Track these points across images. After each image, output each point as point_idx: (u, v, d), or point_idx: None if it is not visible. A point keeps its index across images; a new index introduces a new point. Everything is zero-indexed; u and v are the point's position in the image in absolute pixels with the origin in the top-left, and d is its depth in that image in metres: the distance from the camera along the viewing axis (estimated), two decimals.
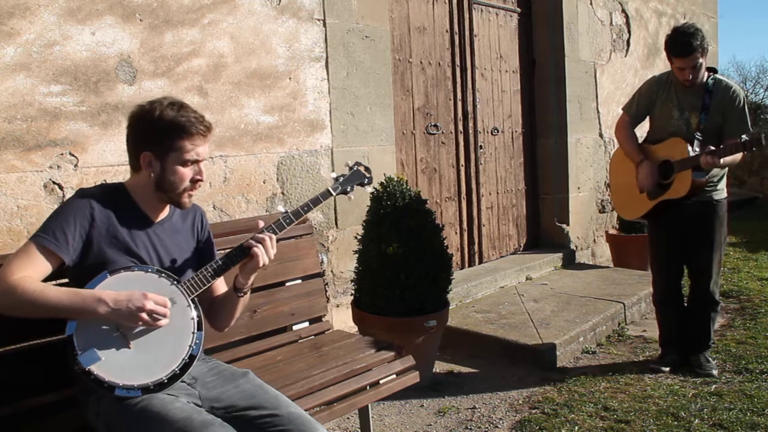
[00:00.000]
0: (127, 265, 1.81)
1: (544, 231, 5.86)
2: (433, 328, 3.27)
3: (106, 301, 1.68)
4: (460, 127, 5.05)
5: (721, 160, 3.10)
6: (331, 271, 3.84)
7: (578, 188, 5.84)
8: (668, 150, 3.28)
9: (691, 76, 3.18)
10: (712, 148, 3.11)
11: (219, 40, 3.26)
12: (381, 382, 2.51)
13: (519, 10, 5.58)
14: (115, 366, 1.69)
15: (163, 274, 1.82)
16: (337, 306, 3.84)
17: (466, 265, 5.18)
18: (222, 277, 1.97)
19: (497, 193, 5.44)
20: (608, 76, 6.18)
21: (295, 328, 2.79)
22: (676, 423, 2.84)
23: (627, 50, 6.42)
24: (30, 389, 1.96)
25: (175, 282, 1.83)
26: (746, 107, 3.27)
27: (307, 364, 2.47)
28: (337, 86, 3.82)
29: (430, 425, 2.97)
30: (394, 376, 2.56)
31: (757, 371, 3.35)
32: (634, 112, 3.49)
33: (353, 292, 3.43)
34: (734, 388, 3.18)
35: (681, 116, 3.29)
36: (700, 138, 3.21)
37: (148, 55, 2.98)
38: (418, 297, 3.20)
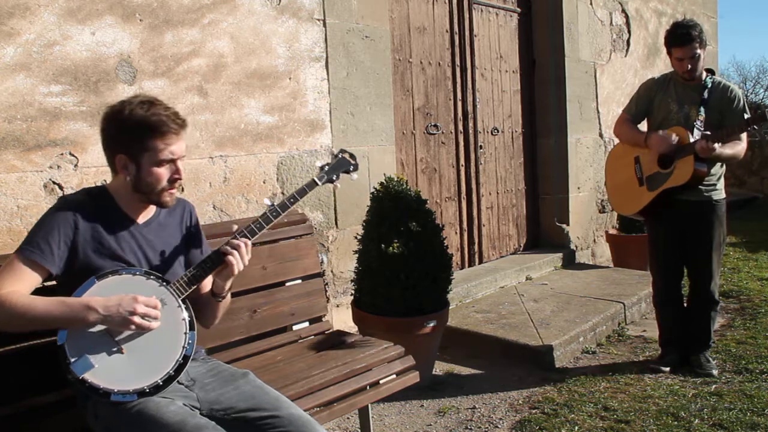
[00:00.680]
0: (114, 269, 1.78)
1: (544, 231, 5.86)
2: (433, 328, 3.27)
3: (96, 308, 1.66)
4: (460, 127, 5.05)
5: (721, 149, 3.09)
6: (331, 271, 3.84)
7: (578, 188, 5.84)
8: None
9: (690, 66, 3.19)
10: (708, 133, 3.11)
11: (219, 40, 3.26)
12: (381, 382, 2.51)
13: (519, 10, 5.58)
14: (109, 372, 1.68)
15: (151, 276, 1.80)
16: (337, 306, 3.85)
17: (466, 265, 5.18)
18: (210, 275, 1.94)
19: (497, 193, 5.44)
20: (608, 76, 6.18)
21: (295, 328, 2.79)
22: (676, 423, 2.84)
23: (627, 50, 6.42)
24: (30, 389, 1.96)
25: (164, 283, 1.81)
26: (746, 108, 3.28)
27: (307, 364, 2.47)
28: (337, 86, 3.82)
29: (430, 425, 2.97)
30: (394, 376, 2.56)
31: (757, 371, 3.35)
32: (633, 111, 3.51)
33: (353, 292, 3.43)
34: (734, 388, 3.18)
35: (680, 110, 3.30)
36: (701, 129, 3.20)
37: (148, 55, 2.98)
38: (418, 297, 3.20)
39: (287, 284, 2.78)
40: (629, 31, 6.43)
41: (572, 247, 5.73)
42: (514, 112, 5.59)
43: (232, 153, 3.34)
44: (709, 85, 3.26)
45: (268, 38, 3.47)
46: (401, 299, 3.17)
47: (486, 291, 4.72)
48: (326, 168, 2.14)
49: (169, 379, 1.73)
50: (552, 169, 5.74)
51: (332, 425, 2.95)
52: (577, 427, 2.84)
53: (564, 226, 5.73)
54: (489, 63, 5.30)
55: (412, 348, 2.87)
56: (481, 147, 5.22)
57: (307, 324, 2.83)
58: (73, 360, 1.67)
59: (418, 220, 3.25)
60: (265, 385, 1.93)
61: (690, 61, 3.19)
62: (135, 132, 1.79)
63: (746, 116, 3.22)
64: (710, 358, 3.45)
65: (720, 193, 3.34)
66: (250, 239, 1.91)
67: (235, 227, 1.94)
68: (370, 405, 2.60)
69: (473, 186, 5.18)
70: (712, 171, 3.25)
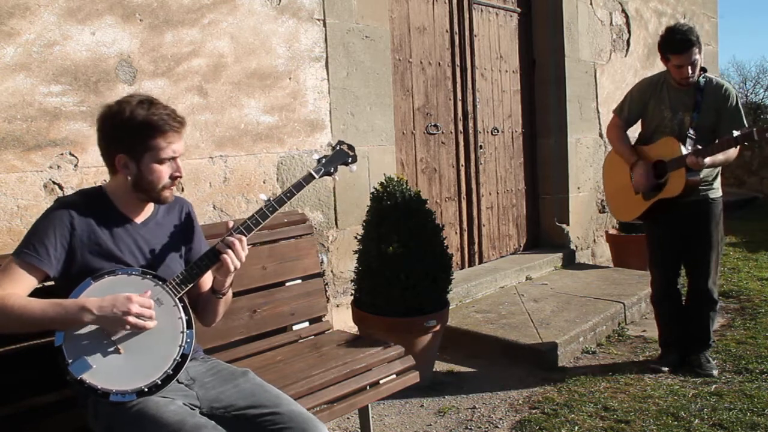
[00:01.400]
0: (111, 269, 1.78)
1: (544, 231, 5.85)
2: (433, 328, 3.27)
3: (91, 309, 1.66)
4: (460, 127, 5.05)
5: (712, 159, 3.09)
6: (331, 271, 3.84)
7: (578, 188, 5.85)
8: (661, 150, 3.27)
9: (690, 72, 3.16)
10: (699, 147, 3.11)
11: (219, 40, 3.26)
12: (381, 382, 2.51)
13: (519, 10, 5.58)
14: (107, 372, 1.68)
15: (147, 275, 1.80)
16: (337, 306, 3.85)
17: (466, 265, 5.18)
18: (210, 272, 1.93)
19: (497, 193, 5.44)
20: (608, 76, 6.18)
21: (295, 328, 2.79)
22: (676, 423, 2.84)
23: (627, 50, 6.42)
24: (30, 389, 1.96)
25: (160, 282, 1.80)
26: (740, 105, 3.28)
27: (307, 364, 2.47)
28: (337, 86, 3.82)
29: (430, 425, 2.97)
30: (394, 376, 2.56)
31: (757, 371, 3.35)
32: (625, 115, 3.49)
33: (353, 292, 3.43)
34: (734, 388, 3.18)
35: (674, 117, 3.29)
36: (693, 137, 3.20)
37: (148, 55, 2.98)
38: (418, 297, 3.20)
39: (287, 284, 2.78)
40: (629, 31, 6.43)
41: (572, 247, 5.73)
42: (514, 112, 5.59)
43: (232, 153, 3.34)
44: (703, 86, 3.24)
45: (268, 38, 3.47)
46: (401, 299, 3.17)
47: (486, 291, 4.72)
48: (323, 161, 2.11)
49: (167, 378, 1.73)
50: (552, 169, 5.74)
51: (332, 425, 2.95)
52: (577, 427, 2.84)
53: (564, 226, 5.73)
54: (489, 63, 5.30)
55: (412, 348, 2.87)
56: (481, 147, 5.22)
57: (307, 324, 2.83)
58: (70, 361, 1.67)
59: (418, 220, 3.25)
60: (264, 382, 1.92)
61: (690, 67, 3.15)
62: (138, 132, 1.79)
63: (742, 114, 3.23)
64: (710, 359, 3.45)
65: (716, 192, 3.34)
66: (245, 236, 1.90)
67: (231, 224, 1.93)
68: (370, 405, 2.60)
69: (473, 186, 5.18)
70: (705, 173, 3.25)
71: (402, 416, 3.07)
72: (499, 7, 5.39)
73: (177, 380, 1.80)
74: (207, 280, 2.02)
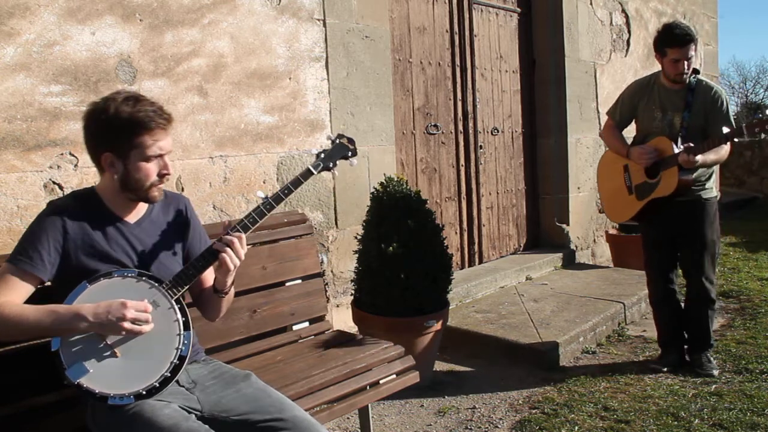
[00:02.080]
0: (106, 272, 1.77)
1: (544, 231, 5.85)
2: (433, 328, 3.27)
3: (86, 316, 1.65)
4: (460, 127, 5.05)
5: (704, 157, 3.10)
6: (331, 271, 3.84)
7: (578, 188, 5.85)
8: (654, 147, 3.28)
9: (686, 67, 3.19)
10: (692, 145, 3.11)
11: (219, 40, 3.26)
12: (381, 382, 2.51)
13: (519, 10, 5.58)
14: (105, 376, 1.68)
15: (143, 278, 1.78)
16: (337, 306, 3.85)
17: (466, 265, 5.18)
18: (211, 268, 1.91)
19: (497, 193, 5.44)
20: (608, 76, 6.18)
21: (295, 328, 2.78)
22: (676, 423, 2.84)
23: (627, 50, 6.42)
24: (30, 389, 1.96)
25: (155, 284, 1.78)
26: (729, 107, 3.30)
27: (307, 364, 2.47)
28: (337, 86, 3.82)
29: (430, 425, 2.97)
30: (394, 376, 2.56)
31: (757, 371, 3.35)
32: (618, 117, 3.54)
33: (353, 292, 3.42)
34: (734, 388, 3.18)
35: (664, 117, 3.31)
36: (684, 136, 3.22)
37: (148, 55, 2.98)
38: (418, 297, 3.20)
39: (287, 284, 2.78)
40: (629, 31, 6.43)
41: (572, 247, 5.73)
42: (514, 112, 5.59)
43: (232, 153, 3.34)
44: (694, 86, 3.26)
45: (268, 38, 3.47)
46: (401, 299, 3.17)
47: (486, 291, 4.72)
48: (322, 155, 2.05)
49: (165, 381, 1.72)
50: (552, 169, 5.74)
51: (332, 425, 2.95)
52: (577, 427, 2.84)
53: (564, 226, 5.73)
54: (489, 63, 5.30)
55: (412, 348, 2.87)
56: (481, 147, 5.22)
57: (307, 324, 2.83)
58: (67, 366, 1.66)
59: (418, 220, 3.25)
60: (267, 387, 1.91)
61: (686, 62, 3.19)
62: (122, 130, 1.76)
63: (730, 117, 3.24)
64: (711, 359, 3.45)
65: (710, 192, 3.35)
66: (243, 234, 1.88)
67: (227, 222, 1.91)
68: (370, 405, 2.60)
69: (473, 186, 5.18)
70: (698, 173, 3.26)
71: (402, 416, 3.07)
72: (499, 7, 5.39)
73: (177, 383, 1.79)
74: (209, 276, 2.00)
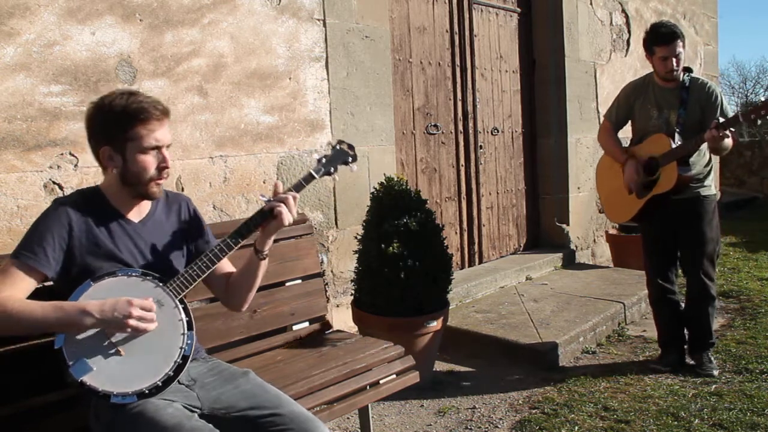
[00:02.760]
0: (110, 270, 1.78)
1: (544, 231, 5.85)
2: (433, 328, 3.27)
3: (91, 313, 1.66)
4: (460, 127, 5.05)
5: (728, 141, 3.09)
6: (331, 271, 3.84)
7: (578, 188, 5.84)
8: (651, 146, 3.32)
9: (675, 64, 3.23)
10: (720, 120, 3.06)
11: (219, 40, 3.25)
12: (381, 382, 2.51)
13: (519, 10, 5.58)
14: (108, 374, 1.68)
15: (148, 277, 1.79)
16: (337, 306, 3.84)
17: (466, 265, 5.18)
18: (226, 259, 1.92)
19: (497, 193, 5.44)
20: (608, 76, 6.18)
21: (295, 328, 2.79)
22: (676, 423, 2.84)
23: (627, 50, 6.42)
24: (30, 389, 1.96)
25: (160, 284, 1.80)
26: (724, 101, 3.32)
27: (307, 364, 2.47)
28: (337, 86, 3.82)
29: (430, 425, 2.97)
30: (394, 376, 2.56)
31: (757, 371, 3.35)
32: (614, 118, 3.58)
33: (353, 292, 3.43)
34: (734, 388, 3.18)
35: (660, 115, 3.35)
36: (681, 132, 3.25)
37: (148, 55, 2.98)
38: (418, 297, 3.20)
39: (287, 284, 2.78)
40: (629, 31, 6.43)
41: (572, 247, 5.73)
42: (514, 112, 5.59)
43: (232, 153, 3.34)
44: (687, 84, 3.30)
45: (268, 38, 3.47)
46: (401, 299, 3.18)
47: (486, 291, 4.72)
48: (323, 160, 2.06)
49: (168, 380, 1.73)
50: (552, 169, 5.74)
51: (332, 425, 2.95)
52: (577, 427, 2.84)
53: (564, 226, 5.73)
54: (489, 63, 5.30)
55: (412, 348, 2.87)
56: (481, 147, 5.22)
57: (307, 324, 2.83)
58: (71, 363, 1.66)
59: (418, 220, 3.25)
60: (265, 383, 1.92)
61: (674, 60, 3.23)
62: (117, 121, 1.78)
63: (726, 110, 3.25)
64: (712, 358, 3.45)
65: (708, 190, 3.36)
66: (242, 238, 1.90)
67: (280, 185, 1.96)
68: (370, 405, 2.60)
69: (473, 186, 5.18)
70: (697, 169, 3.29)
71: (402, 416, 3.07)
72: (499, 7, 5.39)
73: (178, 381, 1.80)
74: (225, 265, 2.02)
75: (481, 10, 5.21)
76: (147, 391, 1.70)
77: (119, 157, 1.81)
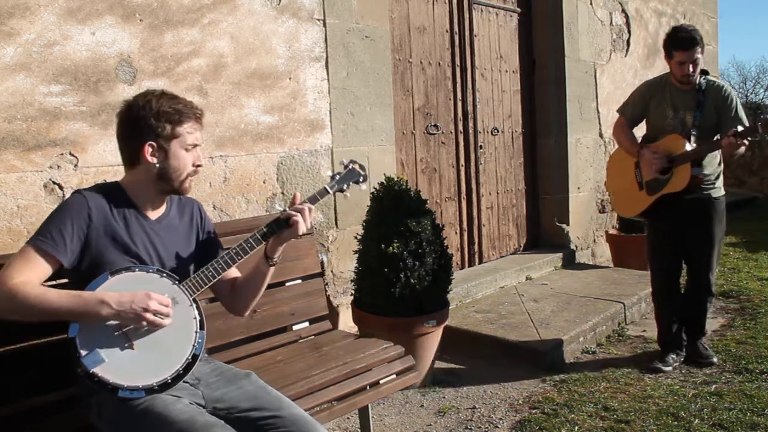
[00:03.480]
0: (127, 265, 1.80)
1: (544, 231, 5.85)
2: (433, 328, 3.27)
3: (110, 303, 1.67)
4: (460, 127, 5.05)
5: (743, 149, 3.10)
6: (331, 271, 3.84)
7: (578, 188, 5.84)
8: (666, 146, 3.33)
9: (691, 70, 3.25)
10: (739, 129, 3.05)
11: (219, 40, 3.25)
12: (381, 382, 2.51)
13: (519, 10, 5.58)
14: (119, 367, 1.69)
15: (164, 274, 1.82)
16: (337, 306, 3.84)
17: (466, 265, 5.18)
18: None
19: (497, 193, 5.44)
20: (608, 76, 6.18)
21: (295, 328, 2.79)
22: (676, 423, 2.84)
23: (627, 50, 6.42)
24: (30, 389, 1.96)
25: (177, 281, 1.82)
26: (739, 105, 3.34)
27: (307, 364, 2.47)
28: (337, 86, 3.82)
29: (430, 425, 2.97)
30: (394, 376, 2.56)
31: (757, 371, 3.35)
32: (629, 114, 3.59)
33: (353, 292, 3.43)
34: (734, 388, 3.19)
35: (676, 116, 3.36)
36: (696, 134, 3.27)
37: (148, 55, 2.98)
38: (418, 297, 3.20)
39: (287, 284, 2.79)
40: (629, 31, 6.43)
41: (572, 247, 5.73)
42: (514, 112, 5.59)
43: (232, 153, 3.34)
44: (704, 87, 3.32)
45: (268, 38, 3.47)
46: (401, 299, 3.17)
47: (486, 291, 4.72)
48: (337, 177, 2.19)
49: (177, 377, 1.74)
50: (552, 169, 5.74)
51: (332, 425, 2.95)
52: (577, 427, 2.84)
53: (564, 226, 5.73)
54: (489, 63, 5.30)
55: (412, 348, 2.87)
56: (481, 147, 5.22)
57: (307, 324, 2.83)
58: (83, 353, 1.67)
59: (418, 220, 3.25)
60: (267, 385, 1.93)
61: (691, 65, 3.24)
62: (166, 120, 1.86)
63: (741, 115, 3.27)
64: (707, 346, 3.54)
65: (718, 191, 3.40)
66: (255, 246, 1.95)
67: (299, 195, 2.05)
68: (370, 405, 2.60)
69: (473, 186, 5.18)
70: (709, 170, 3.32)
71: (402, 416, 3.07)
72: (499, 7, 5.39)
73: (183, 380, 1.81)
74: (231, 271, 2.06)
75: (481, 10, 5.21)
76: (156, 387, 1.71)
77: (162, 153, 1.87)
